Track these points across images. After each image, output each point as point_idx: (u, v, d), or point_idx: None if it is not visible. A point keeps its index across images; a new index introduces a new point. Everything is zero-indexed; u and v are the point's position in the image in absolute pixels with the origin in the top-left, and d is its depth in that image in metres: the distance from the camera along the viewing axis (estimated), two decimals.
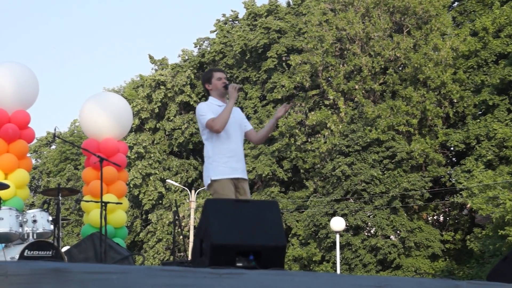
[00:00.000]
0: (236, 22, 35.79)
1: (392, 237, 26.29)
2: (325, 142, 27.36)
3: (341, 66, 28.46)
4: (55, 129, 10.85)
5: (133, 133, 33.29)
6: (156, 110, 34.23)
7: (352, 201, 26.49)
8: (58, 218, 7.09)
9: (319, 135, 28.48)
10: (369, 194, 25.87)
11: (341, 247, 24.67)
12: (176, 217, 8.15)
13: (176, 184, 32.32)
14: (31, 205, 37.10)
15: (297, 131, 28.91)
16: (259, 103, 32.26)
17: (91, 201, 9.33)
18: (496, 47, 26.04)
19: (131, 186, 31.74)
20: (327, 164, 27.25)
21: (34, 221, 7.05)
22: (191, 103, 33.83)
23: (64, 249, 8.51)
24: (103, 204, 7.39)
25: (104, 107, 10.24)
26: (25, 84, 9.80)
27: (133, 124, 20.02)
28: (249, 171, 27.79)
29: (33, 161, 36.34)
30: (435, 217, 29.37)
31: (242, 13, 35.34)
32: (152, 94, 33.91)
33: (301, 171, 29.87)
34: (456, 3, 30.86)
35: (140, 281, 2.90)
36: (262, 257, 4.06)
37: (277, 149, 29.68)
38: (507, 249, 21.19)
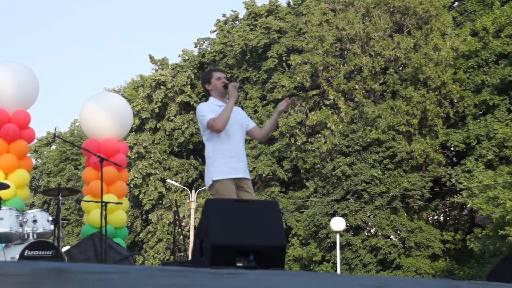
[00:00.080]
0: (237, 22, 35.77)
1: (392, 237, 26.29)
2: (325, 142, 27.34)
3: (341, 66, 28.45)
4: (55, 129, 10.82)
5: (133, 133, 33.27)
6: (156, 110, 34.22)
7: (352, 201, 26.48)
8: (58, 218, 7.09)
9: (319, 135, 28.47)
10: (369, 194, 25.86)
11: (341, 247, 24.67)
12: (176, 217, 8.15)
13: (176, 184, 32.30)
14: (31, 205, 37.08)
15: (297, 131, 28.90)
16: (259, 103, 32.25)
17: (91, 201, 9.33)
18: (496, 47, 26.03)
19: (131, 186, 31.72)
20: (327, 164, 27.24)
21: (34, 221, 7.05)
22: (192, 103, 33.81)
23: (64, 249, 8.51)
24: (103, 204, 7.39)
25: (104, 107, 10.23)
26: (26, 84, 9.79)
27: (133, 124, 19.97)
28: (249, 171, 27.54)
29: (33, 161, 36.38)
30: (435, 217, 29.37)
31: (242, 13, 35.37)
32: (152, 94, 33.90)
33: (301, 171, 29.86)
34: (456, 3, 30.85)
35: (140, 281, 2.90)
36: (262, 257, 4.06)
37: (277, 149, 29.67)
38: (507, 249, 21.18)
